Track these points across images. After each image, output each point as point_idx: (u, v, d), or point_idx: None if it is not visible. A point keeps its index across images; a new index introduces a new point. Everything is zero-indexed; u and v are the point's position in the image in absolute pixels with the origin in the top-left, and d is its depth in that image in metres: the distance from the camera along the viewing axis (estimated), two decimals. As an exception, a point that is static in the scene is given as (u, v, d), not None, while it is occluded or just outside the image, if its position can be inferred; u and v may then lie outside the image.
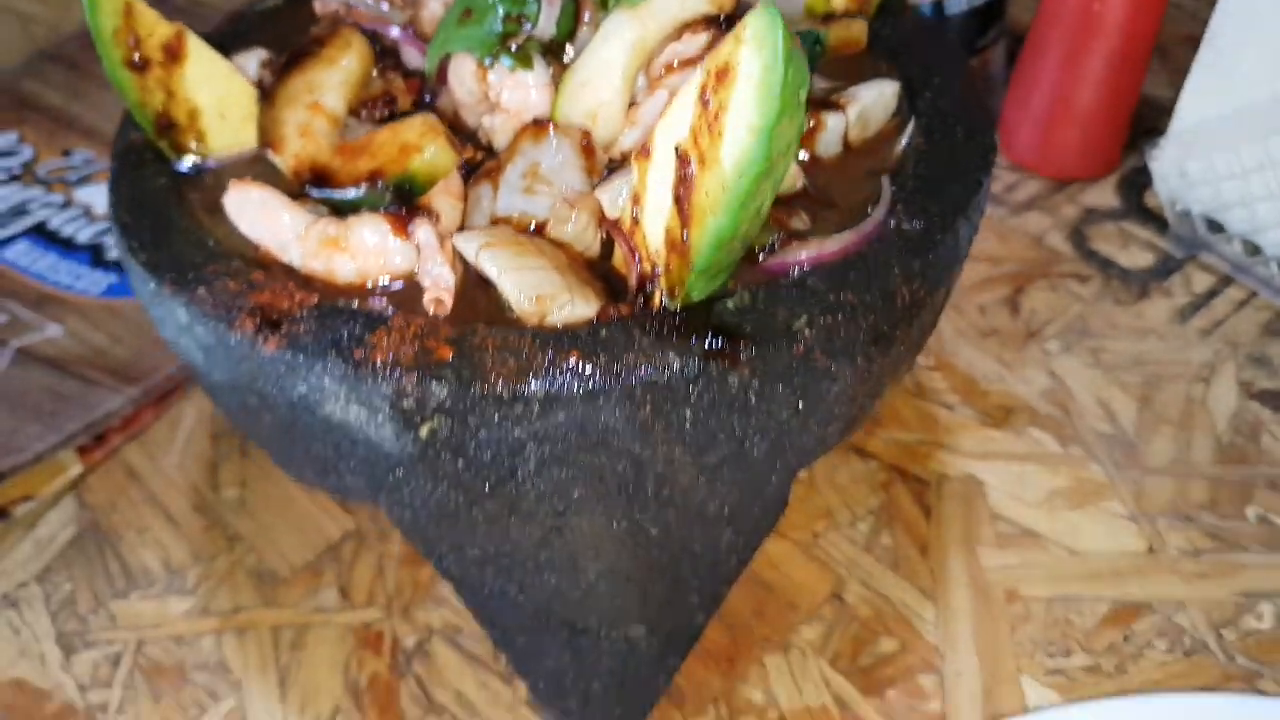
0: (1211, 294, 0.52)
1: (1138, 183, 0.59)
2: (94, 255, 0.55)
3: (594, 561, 0.30)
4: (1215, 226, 0.53)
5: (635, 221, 0.26)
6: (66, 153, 0.61)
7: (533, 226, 0.27)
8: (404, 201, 0.27)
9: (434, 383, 0.24)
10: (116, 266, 0.54)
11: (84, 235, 0.56)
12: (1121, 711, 0.33)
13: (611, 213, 0.27)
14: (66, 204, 0.58)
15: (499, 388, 0.24)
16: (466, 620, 0.40)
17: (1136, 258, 0.54)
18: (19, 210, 0.57)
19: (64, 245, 0.55)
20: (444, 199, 0.28)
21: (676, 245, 0.24)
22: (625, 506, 0.28)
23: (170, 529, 0.44)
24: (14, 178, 0.59)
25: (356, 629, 0.40)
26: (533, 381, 0.24)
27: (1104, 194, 0.58)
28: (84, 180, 0.59)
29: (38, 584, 0.42)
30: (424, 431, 0.25)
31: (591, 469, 0.26)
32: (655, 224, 0.25)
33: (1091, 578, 0.41)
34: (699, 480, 0.28)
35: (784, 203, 0.29)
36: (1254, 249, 0.52)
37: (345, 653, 0.39)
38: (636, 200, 0.25)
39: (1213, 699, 0.33)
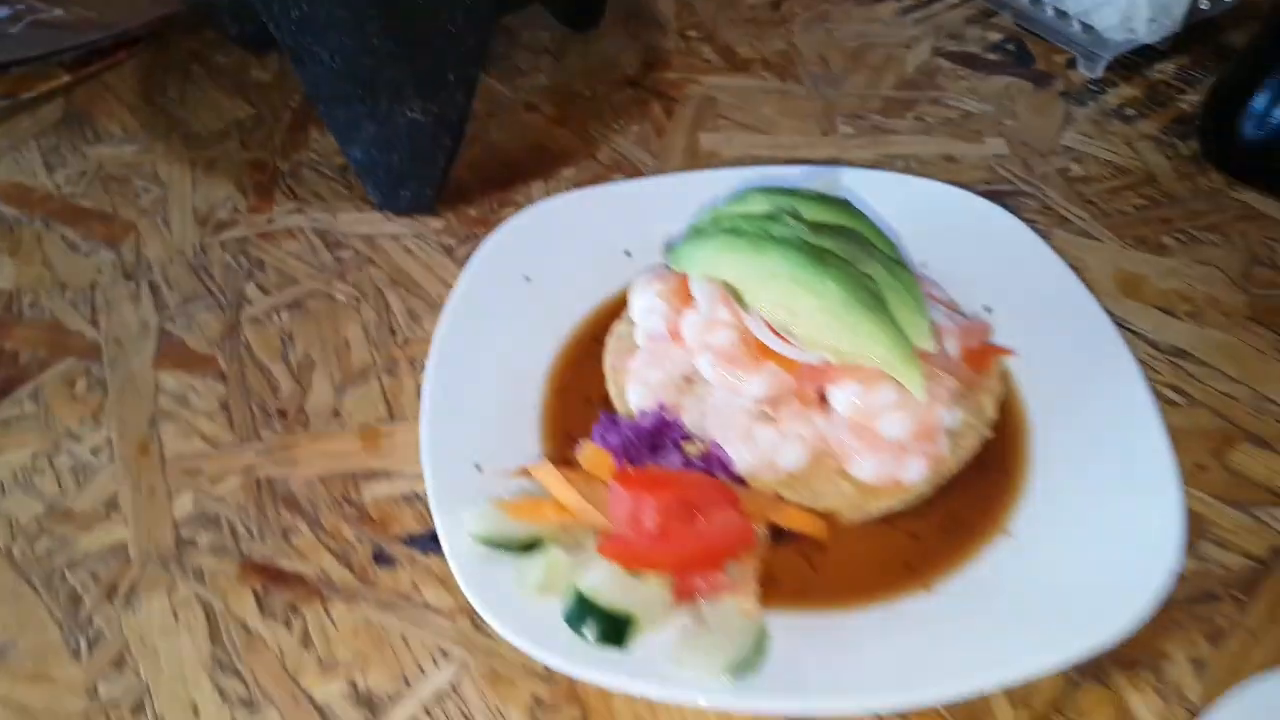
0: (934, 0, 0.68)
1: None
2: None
3: (371, 22, 0.47)
4: (944, -45, 0.68)
5: None
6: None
7: None
8: None
9: None
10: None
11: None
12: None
13: None
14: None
15: None
16: (327, 158, 0.57)
17: (885, -18, 0.70)
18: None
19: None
20: None
21: None
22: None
23: (129, 114, 0.61)
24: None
25: (250, 162, 0.57)
26: None
27: (876, -53, 0.74)
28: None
29: (34, 140, 0.59)
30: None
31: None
32: None
33: (777, 147, 0.57)
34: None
35: None
36: (967, -34, 0.67)
37: (239, 171, 0.56)
38: None
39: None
